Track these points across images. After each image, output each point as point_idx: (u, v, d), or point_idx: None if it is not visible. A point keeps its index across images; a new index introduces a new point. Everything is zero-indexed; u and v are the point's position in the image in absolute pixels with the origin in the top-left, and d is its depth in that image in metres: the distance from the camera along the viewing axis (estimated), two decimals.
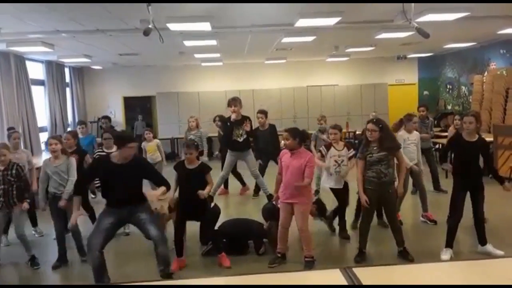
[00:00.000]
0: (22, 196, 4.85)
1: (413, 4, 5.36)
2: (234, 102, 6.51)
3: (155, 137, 7.80)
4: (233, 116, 6.47)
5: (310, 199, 4.79)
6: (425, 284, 1.59)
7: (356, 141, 11.72)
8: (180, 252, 4.67)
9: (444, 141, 9.34)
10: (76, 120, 12.37)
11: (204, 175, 4.58)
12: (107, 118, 9.52)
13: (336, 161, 5.35)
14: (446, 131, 10.66)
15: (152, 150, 7.25)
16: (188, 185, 4.52)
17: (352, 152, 5.40)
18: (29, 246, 4.95)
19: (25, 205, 4.83)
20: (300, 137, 4.53)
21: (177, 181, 4.63)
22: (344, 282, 1.64)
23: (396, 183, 4.70)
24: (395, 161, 4.72)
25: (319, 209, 5.34)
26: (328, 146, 5.49)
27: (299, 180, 4.42)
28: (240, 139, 6.54)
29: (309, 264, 4.55)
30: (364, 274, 1.68)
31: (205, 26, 6.25)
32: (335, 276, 1.70)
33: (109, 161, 4.03)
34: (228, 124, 6.52)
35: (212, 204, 5.13)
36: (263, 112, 7.45)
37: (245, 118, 6.62)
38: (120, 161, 3.97)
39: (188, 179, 4.53)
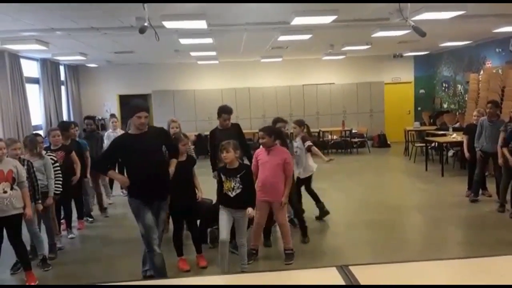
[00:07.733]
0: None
1: (409, 3, 5.37)
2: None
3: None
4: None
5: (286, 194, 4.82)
6: (424, 283, 1.57)
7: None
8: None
9: (440, 139, 9.36)
10: (72, 118, 12.28)
11: (192, 167, 4.67)
12: (91, 118, 7.54)
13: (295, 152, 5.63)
14: (442, 129, 10.68)
15: None
16: (179, 177, 4.39)
17: (308, 143, 5.65)
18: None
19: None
20: (275, 135, 4.68)
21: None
22: (341, 281, 1.62)
23: None
24: None
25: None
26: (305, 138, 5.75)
27: (278, 176, 4.52)
28: None
29: (290, 256, 4.67)
30: (362, 273, 1.66)
31: (201, 24, 6.22)
32: (332, 274, 1.67)
33: None
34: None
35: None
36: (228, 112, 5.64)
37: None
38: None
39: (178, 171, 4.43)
